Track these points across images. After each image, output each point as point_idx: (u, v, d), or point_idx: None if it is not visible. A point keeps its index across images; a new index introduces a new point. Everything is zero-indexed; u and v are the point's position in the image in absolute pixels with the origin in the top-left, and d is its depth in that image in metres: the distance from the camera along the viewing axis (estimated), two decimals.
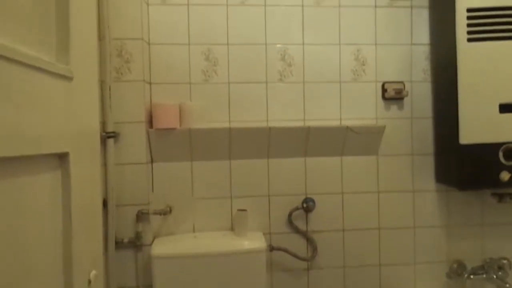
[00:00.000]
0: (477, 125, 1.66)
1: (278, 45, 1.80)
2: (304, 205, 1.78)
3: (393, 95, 1.82)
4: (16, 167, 0.61)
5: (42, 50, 0.69)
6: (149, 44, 1.72)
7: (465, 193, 1.84)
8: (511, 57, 1.63)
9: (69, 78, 0.77)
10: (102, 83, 1.57)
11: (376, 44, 1.84)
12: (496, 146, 1.66)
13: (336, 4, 1.81)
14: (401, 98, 1.84)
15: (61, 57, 0.74)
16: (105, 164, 1.56)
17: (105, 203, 1.55)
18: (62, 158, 0.76)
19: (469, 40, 1.63)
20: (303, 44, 1.81)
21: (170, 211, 1.72)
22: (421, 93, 1.86)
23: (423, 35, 1.86)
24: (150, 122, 1.70)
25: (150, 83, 1.73)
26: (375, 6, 1.83)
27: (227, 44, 1.77)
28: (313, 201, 1.79)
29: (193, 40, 1.76)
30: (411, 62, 1.85)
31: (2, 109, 0.56)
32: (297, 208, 1.78)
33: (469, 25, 1.63)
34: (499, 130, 1.66)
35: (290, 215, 1.78)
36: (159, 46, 1.74)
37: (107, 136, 1.56)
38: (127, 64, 1.63)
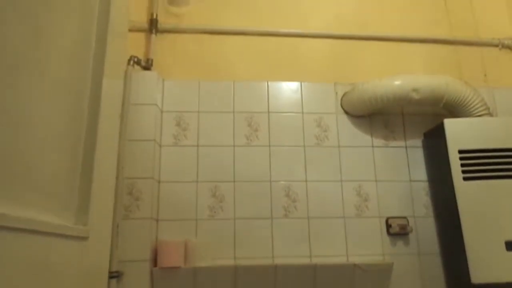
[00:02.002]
0: (487, 264, 1.63)
1: (282, 182, 1.88)
2: None
3: (398, 231, 1.83)
4: None
5: (62, 216, 0.74)
6: (159, 182, 1.81)
7: None
8: (509, 195, 1.68)
9: (84, 238, 0.80)
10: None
11: (376, 180, 1.92)
12: (510, 286, 1.60)
13: (335, 144, 1.94)
14: (406, 234, 1.84)
15: (80, 219, 0.79)
16: None
17: None
18: None
19: (465, 179, 1.71)
20: (306, 181, 1.89)
21: None
22: (426, 228, 1.87)
23: (420, 172, 1.95)
24: (155, 259, 1.68)
25: (157, 220, 1.76)
26: (372, 146, 1.96)
27: (234, 181, 1.85)
28: None
29: (201, 177, 1.84)
30: (412, 198, 1.91)
31: (21, 278, 0.58)
32: None
33: (463, 165, 1.72)
34: (509, 269, 1.62)
35: None
36: (169, 183, 1.82)
37: (110, 276, 1.53)
38: (137, 202, 1.68)
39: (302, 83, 2.02)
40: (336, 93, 2.02)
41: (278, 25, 2.09)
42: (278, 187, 1.87)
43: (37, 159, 0.66)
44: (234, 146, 1.90)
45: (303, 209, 1.85)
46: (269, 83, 2.00)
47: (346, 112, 2.00)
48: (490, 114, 1.83)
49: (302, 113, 1.98)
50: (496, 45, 2.17)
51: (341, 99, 2.01)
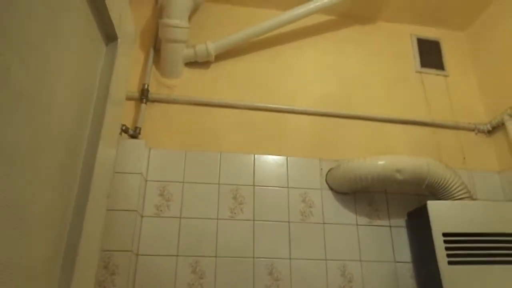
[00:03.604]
0: None
1: (265, 259, 1.82)
2: None
3: None
4: None
5: None
6: (137, 255, 1.72)
7: None
8: (495, 282, 1.67)
9: None
10: None
11: (361, 260, 1.88)
12: None
13: (320, 221, 1.93)
14: None
15: None
16: None
17: None
18: None
19: (450, 263, 1.69)
20: (290, 258, 1.84)
21: None
22: None
23: (405, 252, 1.93)
24: None
25: None
26: (357, 224, 1.95)
27: (215, 256, 1.78)
28: None
29: (182, 251, 1.77)
30: (397, 279, 1.87)
31: None
32: None
33: (447, 249, 1.71)
34: None
35: None
36: (147, 257, 1.73)
37: None
38: (112, 277, 1.59)
39: (288, 158, 2.04)
40: (321, 169, 2.04)
41: (266, 100, 2.15)
42: (261, 264, 1.80)
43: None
44: (217, 219, 1.85)
45: None
46: (255, 156, 2.02)
47: (331, 188, 2.01)
48: (471, 198, 1.87)
49: (288, 187, 1.97)
50: (472, 130, 2.28)
51: (326, 175, 2.03)
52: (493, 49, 2.36)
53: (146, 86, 2.02)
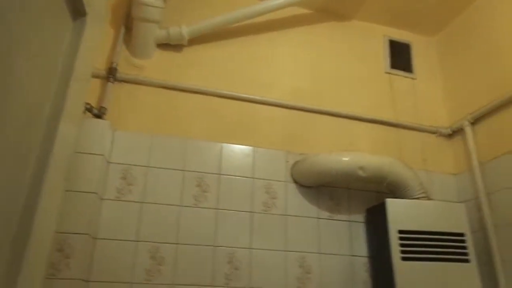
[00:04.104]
0: None
1: (226, 248, 1.82)
2: None
3: None
4: None
5: None
6: (95, 239, 1.68)
7: None
8: (447, 279, 1.75)
9: None
10: None
11: (320, 253, 1.92)
12: None
13: (283, 212, 1.95)
14: None
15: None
16: None
17: None
18: None
19: (403, 259, 1.76)
20: (250, 248, 1.85)
21: None
22: None
23: (361, 247, 1.99)
24: None
25: (87, 281, 1.61)
26: (318, 218, 1.99)
27: (176, 243, 1.77)
28: None
29: (142, 237, 1.74)
30: (352, 273, 1.93)
31: None
32: None
33: (402, 245, 1.78)
34: None
35: None
36: (105, 241, 1.70)
37: None
38: (66, 260, 1.54)
39: (255, 148, 2.04)
40: (287, 161, 2.06)
41: (237, 89, 2.14)
42: (222, 253, 1.81)
43: None
44: (180, 206, 1.84)
45: (245, 278, 1.79)
46: (223, 145, 2.00)
47: (295, 181, 2.03)
48: (427, 198, 1.95)
49: (253, 178, 1.98)
50: (434, 133, 2.37)
51: (292, 168, 2.05)
52: (459, 57, 2.44)
53: (114, 65, 1.95)
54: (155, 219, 1.78)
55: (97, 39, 1.42)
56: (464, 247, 1.83)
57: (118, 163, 1.82)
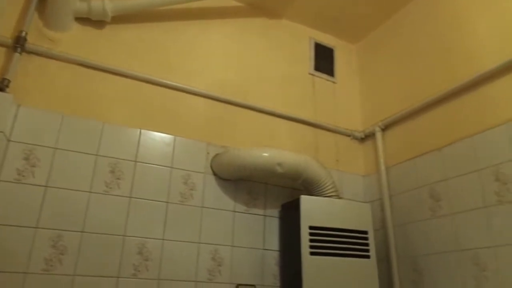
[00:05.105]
0: None
1: (137, 238, 1.75)
2: None
3: None
4: None
5: None
6: None
7: None
8: (350, 274, 1.87)
9: None
10: None
11: (232, 246, 1.94)
12: None
13: (199, 204, 1.93)
14: None
15: None
16: None
17: None
18: None
19: (312, 253, 1.84)
20: (163, 239, 1.80)
21: None
22: None
23: (274, 241, 2.04)
24: None
25: None
26: (234, 211, 2.00)
27: (82, 231, 1.66)
28: None
29: (43, 223, 1.60)
30: (263, 266, 1.97)
31: None
32: None
33: (311, 240, 1.86)
34: None
35: None
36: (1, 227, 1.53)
37: None
38: None
39: (176, 137, 1.99)
40: (208, 153, 2.04)
41: (162, 75, 2.06)
42: (132, 243, 1.74)
43: None
44: (90, 192, 1.72)
45: (154, 270, 1.74)
46: (141, 131, 1.92)
47: (215, 173, 2.02)
48: (338, 196, 2.06)
49: (171, 167, 1.93)
50: (349, 135, 2.51)
51: (212, 160, 2.03)
52: (377, 66, 2.62)
53: (23, 34, 1.76)
54: (60, 205, 1.65)
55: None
56: (366, 244, 1.97)
57: (20, 142, 1.66)
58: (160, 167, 1.91)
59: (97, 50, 1.96)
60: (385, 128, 2.38)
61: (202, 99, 2.14)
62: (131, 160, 1.85)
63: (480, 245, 1.71)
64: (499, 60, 1.77)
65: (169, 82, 2.06)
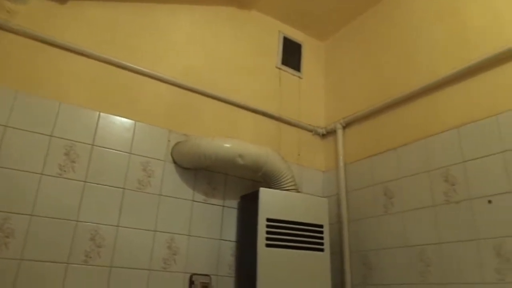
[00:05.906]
0: None
1: (90, 224, 1.70)
2: None
3: None
4: None
5: None
6: None
7: None
8: (304, 267, 1.90)
9: None
10: None
11: (189, 235, 1.93)
12: None
13: (157, 192, 1.90)
14: None
15: None
16: None
17: None
18: None
19: (268, 245, 1.87)
20: (118, 226, 1.76)
21: None
22: None
23: (231, 232, 2.05)
24: None
25: None
26: (193, 200, 1.99)
27: (31, 215, 1.59)
28: None
29: None
30: (218, 256, 1.97)
31: None
32: None
33: (268, 233, 1.88)
34: None
35: None
36: None
37: None
38: None
39: (137, 123, 1.94)
40: (169, 140, 2.01)
41: (124, 57, 1.99)
42: (85, 229, 1.69)
43: None
44: (42, 174, 1.65)
45: (107, 257, 1.70)
46: (101, 114, 1.86)
47: (175, 162, 2.00)
48: (296, 190, 2.09)
49: (130, 153, 1.88)
50: (311, 131, 2.55)
51: (173, 148, 2.00)
52: (342, 64, 2.67)
53: None
54: (7, 186, 1.57)
55: None
56: (321, 238, 2.01)
57: None
58: (119, 152, 1.86)
59: (57, 26, 1.87)
60: (346, 126, 2.44)
61: (165, 85, 2.09)
62: (88, 144, 1.79)
63: (427, 241, 1.80)
64: (453, 68, 1.86)
65: (132, 65, 2.00)
